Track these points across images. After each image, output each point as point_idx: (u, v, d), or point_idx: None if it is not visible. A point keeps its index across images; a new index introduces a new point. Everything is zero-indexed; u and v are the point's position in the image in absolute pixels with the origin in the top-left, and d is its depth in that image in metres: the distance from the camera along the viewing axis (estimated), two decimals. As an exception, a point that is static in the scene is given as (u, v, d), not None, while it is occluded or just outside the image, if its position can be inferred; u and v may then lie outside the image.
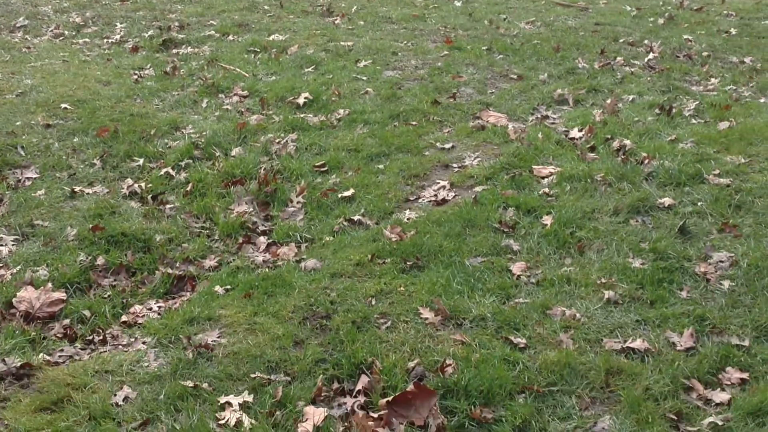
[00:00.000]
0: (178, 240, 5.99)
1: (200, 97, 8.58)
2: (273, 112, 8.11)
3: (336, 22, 11.52)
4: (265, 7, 12.40)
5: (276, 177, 6.72)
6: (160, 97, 8.59)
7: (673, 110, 7.79)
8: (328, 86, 8.75)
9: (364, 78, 9.08)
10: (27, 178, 6.73)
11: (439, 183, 6.60)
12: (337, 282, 5.15)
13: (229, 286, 5.27)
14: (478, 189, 6.40)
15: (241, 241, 5.99)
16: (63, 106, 8.08)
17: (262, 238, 6.02)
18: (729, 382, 4.22)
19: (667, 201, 5.96)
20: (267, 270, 5.50)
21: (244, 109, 8.24)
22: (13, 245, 5.80)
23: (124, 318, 5.05)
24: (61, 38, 10.76)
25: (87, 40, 10.70)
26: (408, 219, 6.00)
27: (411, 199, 6.44)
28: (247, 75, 9.21)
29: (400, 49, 10.17)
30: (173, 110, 8.22)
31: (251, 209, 6.36)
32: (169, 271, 5.58)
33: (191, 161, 7.06)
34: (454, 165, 6.94)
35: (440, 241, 5.54)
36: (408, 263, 5.33)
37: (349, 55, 9.87)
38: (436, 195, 6.41)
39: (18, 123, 7.64)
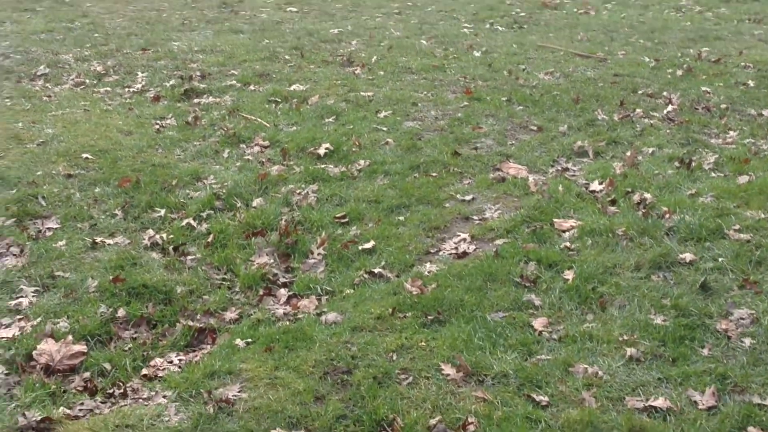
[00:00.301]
0: (199, 292, 6.00)
1: (221, 147, 8.61)
2: (294, 163, 8.14)
3: (356, 72, 11.58)
4: (286, 57, 12.48)
5: (297, 228, 6.74)
6: (181, 147, 8.63)
7: (693, 163, 7.79)
8: (349, 137, 8.77)
9: (385, 128, 9.11)
10: (48, 228, 6.75)
11: (459, 235, 6.60)
12: (358, 336, 5.15)
13: (249, 340, 5.27)
14: (498, 242, 6.40)
15: (261, 293, 6.00)
16: (84, 155, 8.13)
17: (282, 291, 6.02)
18: (752, 442, 4.20)
19: (688, 257, 5.94)
20: (288, 323, 5.49)
21: (265, 160, 8.27)
22: (33, 296, 5.80)
23: (144, 371, 5.05)
24: (82, 87, 10.83)
25: (108, 89, 10.76)
26: (429, 272, 6.00)
27: (431, 251, 6.44)
28: (268, 125, 9.25)
29: (420, 99, 10.21)
30: (195, 160, 8.27)
31: (272, 261, 6.37)
32: (190, 323, 5.58)
33: (212, 212, 7.08)
34: (475, 217, 6.94)
35: (461, 295, 5.54)
36: (429, 317, 5.32)
37: (369, 106, 9.91)
38: (456, 248, 6.40)
39: (39, 173, 7.68)
